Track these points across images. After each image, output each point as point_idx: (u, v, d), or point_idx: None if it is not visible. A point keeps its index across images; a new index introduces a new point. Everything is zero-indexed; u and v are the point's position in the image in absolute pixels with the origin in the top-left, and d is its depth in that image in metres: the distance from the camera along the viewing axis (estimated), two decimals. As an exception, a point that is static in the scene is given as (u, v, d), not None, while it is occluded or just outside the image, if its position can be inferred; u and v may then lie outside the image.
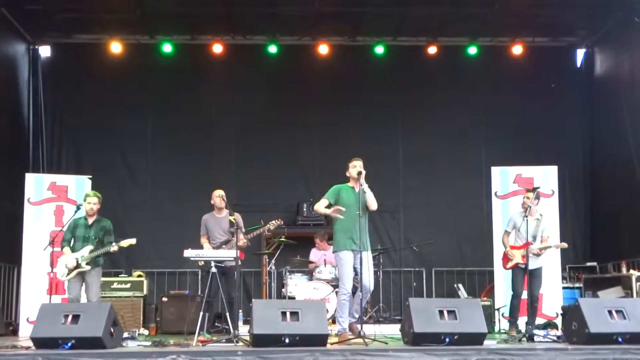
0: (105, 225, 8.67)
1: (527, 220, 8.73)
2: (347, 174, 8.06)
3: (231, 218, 8.59)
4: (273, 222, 9.33)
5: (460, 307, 7.23)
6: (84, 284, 8.49)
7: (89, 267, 8.41)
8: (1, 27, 11.58)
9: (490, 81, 12.78)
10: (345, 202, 7.96)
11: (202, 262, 8.65)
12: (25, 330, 9.49)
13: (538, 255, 9.00)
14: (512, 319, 9.30)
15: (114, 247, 8.41)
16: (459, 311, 7.12)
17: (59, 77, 12.69)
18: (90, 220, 8.62)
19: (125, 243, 8.47)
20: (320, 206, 8.08)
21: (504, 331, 9.97)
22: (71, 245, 8.55)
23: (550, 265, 10.23)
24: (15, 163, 11.74)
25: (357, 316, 7.93)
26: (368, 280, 7.88)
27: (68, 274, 8.44)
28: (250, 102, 12.56)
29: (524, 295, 9.04)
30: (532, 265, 8.84)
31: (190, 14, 12.00)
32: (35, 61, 12.68)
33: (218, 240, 9.14)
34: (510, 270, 9.31)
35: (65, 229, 8.74)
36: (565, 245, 9.29)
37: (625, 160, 11.31)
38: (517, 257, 9.08)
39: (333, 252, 8.18)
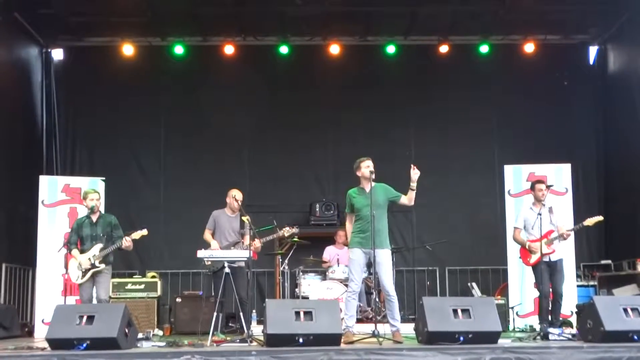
0: (111, 220, 8.58)
1: (543, 210, 8.62)
2: (359, 174, 8.03)
3: (244, 218, 8.56)
4: (287, 229, 9.34)
5: (474, 305, 7.23)
6: (94, 283, 8.40)
7: (103, 266, 8.32)
8: (14, 31, 11.65)
9: (502, 79, 12.75)
10: (357, 206, 7.94)
11: (209, 262, 8.64)
12: (41, 332, 9.54)
13: (565, 238, 8.66)
14: (545, 322, 8.47)
15: (126, 242, 8.30)
16: (473, 310, 7.12)
17: (71, 80, 12.76)
18: (95, 218, 8.52)
19: (137, 235, 8.38)
20: (349, 232, 8.16)
21: (518, 329, 9.95)
22: (78, 246, 8.46)
23: (564, 263, 10.19)
24: (29, 165, 11.81)
25: (394, 324, 7.75)
26: (385, 279, 7.79)
27: (83, 277, 8.34)
28: (262, 103, 12.57)
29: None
30: (555, 256, 8.63)
31: (201, 15, 12.04)
32: (48, 64, 12.77)
33: (227, 241, 9.08)
34: (530, 268, 8.92)
35: (69, 231, 8.71)
36: (600, 218, 8.75)
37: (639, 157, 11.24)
38: (542, 248, 8.54)
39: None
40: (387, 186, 8.09)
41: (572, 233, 9.09)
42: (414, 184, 7.90)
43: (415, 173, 7.87)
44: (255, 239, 8.72)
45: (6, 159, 11.04)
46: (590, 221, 8.71)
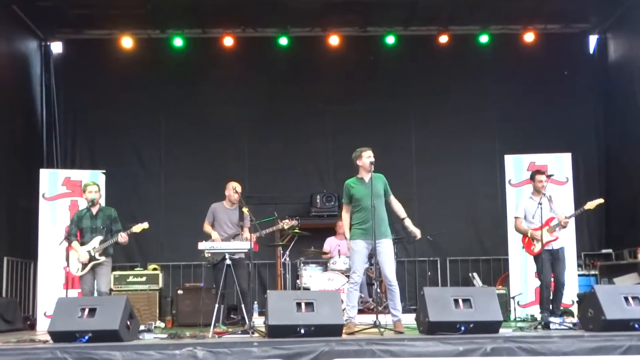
0: (111, 213, 8.58)
1: (543, 199, 8.58)
2: (359, 164, 8.01)
3: (244, 210, 8.55)
4: (287, 221, 9.34)
5: (476, 295, 7.24)
6: (95, 275, 8.40)
7: (103, 258, 8.34)
8: (13, 24, 11.63)
9: (502, 69, 12.71)
10: (357, 196, 7.93)
11: (209, 255, 8.65)
12: (43, 325, 9.54)
13: (564, 226, 8.64)
14: (546, 311, 8.42)
15: (122, 238, 8.30)
16: (474, 300, 7.12)
17: (71, 72, 12.75)
18: (95, 210, 8.52)
19: (137, 228, 8.39)
20: (345, 222, 8.16)
21: (519, 319, 9.96)
22: (78, 238, 8.47)
23: (565, 252, 10.20)
24: (29, 159, 11.81)
25: (396, 314, 7.75)
26: (387, 268, 7.78)
27: (83, 269, 8.36)
28: (262, 95, 12.57)
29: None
30: (557, 244, 8.63)
31: (200, 7, 12.00)
32: (47, 57, 12.76)
33: (225, 233, 9.08)
34: (532, 258, 8.94)
35: (69, 224, 8.72)
36: (601, 200, 8.76)
37: (640, 146, 11.25)
38: (545, 236, 8.46)
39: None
40: (384, 178, 8.09)
41: (573, 220, 9.07)
42: (408, 226, 8.07)
43: (414, 235, 8.08)
44: (251, 233, 8.66)
45: (6, 152, 11.06)
46: (591, 204, 8.67)
